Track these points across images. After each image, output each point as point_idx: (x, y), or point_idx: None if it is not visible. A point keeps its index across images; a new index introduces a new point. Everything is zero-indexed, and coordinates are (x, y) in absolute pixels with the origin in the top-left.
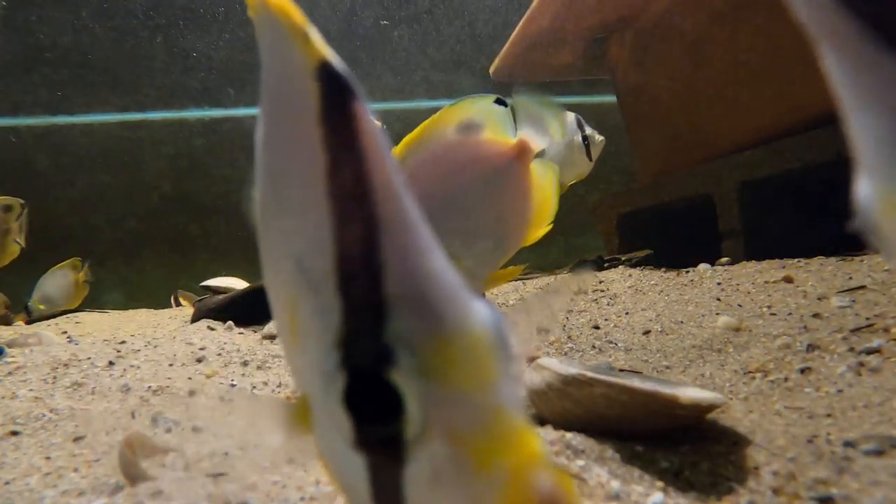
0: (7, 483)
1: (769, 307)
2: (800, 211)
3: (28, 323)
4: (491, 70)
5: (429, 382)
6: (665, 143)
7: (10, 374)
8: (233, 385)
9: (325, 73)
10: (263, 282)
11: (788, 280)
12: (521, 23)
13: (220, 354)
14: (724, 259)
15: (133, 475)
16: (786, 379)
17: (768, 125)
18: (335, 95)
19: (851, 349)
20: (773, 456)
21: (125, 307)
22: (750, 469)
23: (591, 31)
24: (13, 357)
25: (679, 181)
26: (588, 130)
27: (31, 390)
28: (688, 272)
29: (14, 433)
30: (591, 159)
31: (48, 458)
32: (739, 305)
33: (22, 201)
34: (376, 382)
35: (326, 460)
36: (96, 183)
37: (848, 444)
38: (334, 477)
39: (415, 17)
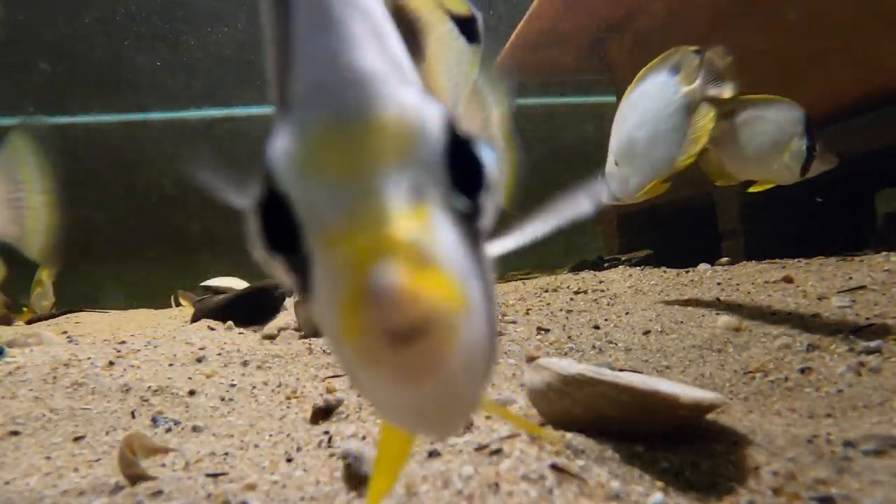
0: (7, 483)
1: (769, 307)
2: (800, 211)
3: (29, 322)
4: None
5: (301, 179)
6: None
7: (10, 373)
8: (233, 385)
9: None
10: None
11: (788, 280)
12: (521, 23)
13: (220, 354)
14: (724, 259)
15: (133, 475)
16: (786, 379)
17: None
18: None
19: (851, 349)
20: (773, 456)
21: (125, 307)
22: (750, 469)
23: (591, 31)
24: (13, 357)
25: (679, 183)
26: (819, 147)
27: (31, 390)
28: (688, 272)
29: (14, 433)
30: (802, 175)
31: (48, 458)
32: (739, 305)
33: None
34: (268, 203)
35: None
36: (97, 183)
37: (848, 443)
38: None
39: None
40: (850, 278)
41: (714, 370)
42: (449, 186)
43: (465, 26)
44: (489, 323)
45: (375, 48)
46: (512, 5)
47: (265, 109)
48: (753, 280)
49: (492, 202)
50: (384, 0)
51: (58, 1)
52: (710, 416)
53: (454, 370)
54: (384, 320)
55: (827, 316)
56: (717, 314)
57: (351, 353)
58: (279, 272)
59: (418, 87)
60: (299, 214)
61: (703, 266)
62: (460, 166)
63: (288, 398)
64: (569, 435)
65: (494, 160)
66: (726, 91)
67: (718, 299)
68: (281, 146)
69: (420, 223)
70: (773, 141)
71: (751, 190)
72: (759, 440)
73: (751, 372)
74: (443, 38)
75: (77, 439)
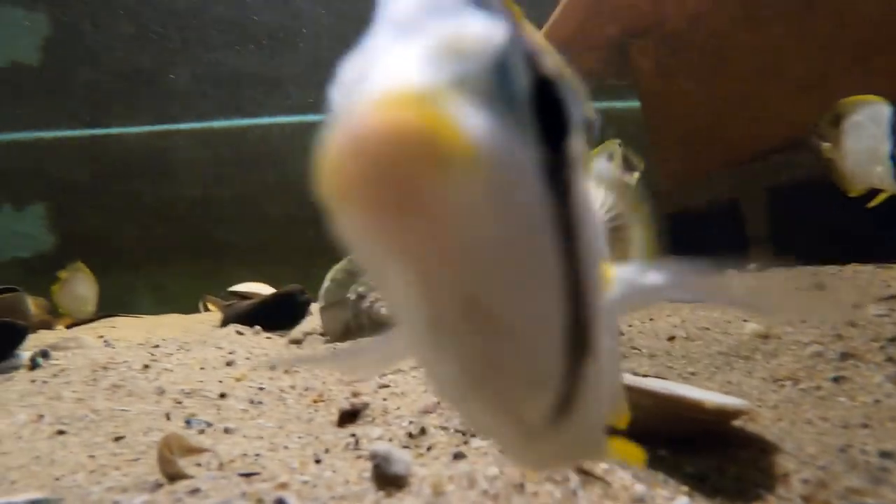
0: (57, 479)
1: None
2: (832, 217)
3: (68, 327)
4: None
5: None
6: (688, 149)
7: (54, 375)
8: (261, 388)
9: None
10: None
11: (820, 287)
12: (544, 29)
13: (248, 358)
14: (752, 265)
15: (171, 473)
16: (818, 388)
17: (797, 129)
18: None
19: (890, 359)
20: (804, 464)
21: (156, 312)
22: (779, 476)
23: (615, 37)
24: (57, 360)
25: (704, 187)
26: None
27: (74, 392)
28: None
29: (61, 432)
30: None
31: (92, 456)
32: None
33: None
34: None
35: None
36: (129, 192)
37: (885, 454)
38: None
39: None
40: (888, 286)
41: (741, 377)
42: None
43: None
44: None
45: None
46: (536, 10)
47: (290, 119)
48: (783, 286)
49: (576, 151)
50: None
51: (94, 19)
52: (736, 423)
53: (449, 220)
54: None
55: (863, 324)
56: (744, 321)
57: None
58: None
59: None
60: None
61: (730, 272)
62: (541, 105)
63: (315, 401)
64: None
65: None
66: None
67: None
68: None
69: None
70: (870, 146)
71: (874, 202)
72: (789, 448)
73: (780, 380)
74: None
75: (117, 439)
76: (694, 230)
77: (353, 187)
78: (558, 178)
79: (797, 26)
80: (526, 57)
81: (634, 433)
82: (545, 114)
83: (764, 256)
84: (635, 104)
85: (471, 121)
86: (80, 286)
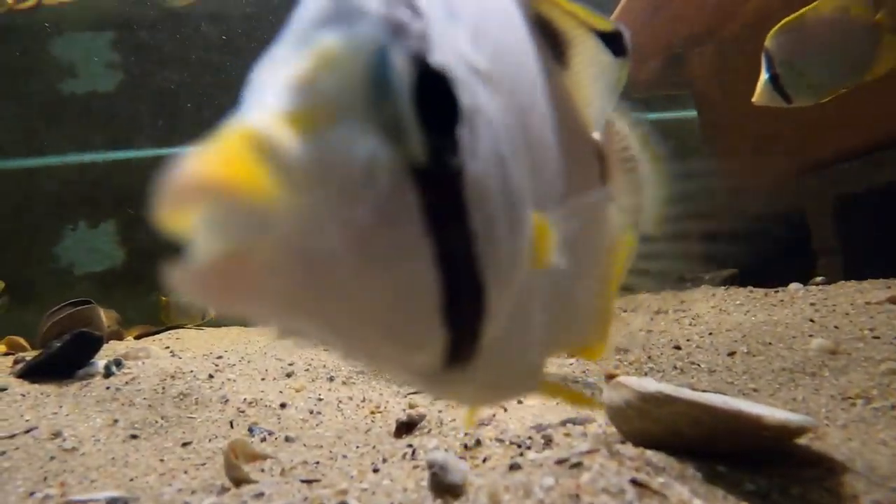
0: (131, 480)
1: (871, 330)
2: None
3: (136, 338)
4: None
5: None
6: (748, 158)
7: (127, 383)
8: (320, 399)
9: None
10: None
11: (894, 301)
12: None
13: (307, 370)
14: (819, 278)
15: (237, 478)
16: (893, 407)
17: (865, 136)
18: None
19: None
20: (875, 485)
21: (217, 324)
22: (847, 496)
23: (671, 46)
24: (129, 369)
25: (767, 197)
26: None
27: (144, 399)
28: (777, 292)
29: (134, 437)
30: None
31: (162, 460)
32: (836, 327)
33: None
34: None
35: None
36: None
37: None
38: None
39: None
40: None
41: (808, 394)
42: (382, 109)
43: (612, 41)
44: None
45: None
46: None
47: None
48: (852, 300)
49: (470, 143)
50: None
51: (160, 55)
52: (801, 441)
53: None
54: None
55: None
56: (810, 336)
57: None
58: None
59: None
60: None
61: (794, 286)
62: (423, 99)
63: (372, 412)
64: (648, 452)
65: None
66: None
67: (812, 320)
68: None
69: (299, 124)
70: None
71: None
72: (859, 468)
73: (850, 398)
74: (589, 51)
75: (185, 444)
76: (756, 242)
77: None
78: (446, 161)
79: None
80: (409, 57)
81: (693, 448)
82: (430, 105)
83: (832, 269)
84: (692, 113)
85: (304, 154)
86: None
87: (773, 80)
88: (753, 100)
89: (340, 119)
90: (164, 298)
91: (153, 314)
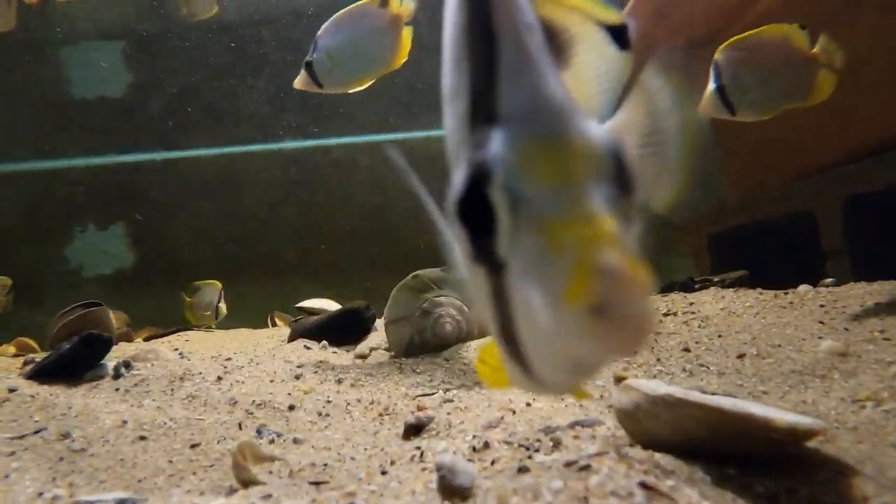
0: (140, 481)
1: (882, 332)
2: None
3: (146, 339)
4: None
5: (519, 181)
6: (758, 160)
7: (136, 385)
8: (329, 401)
9: None
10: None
11: None
12: None
13: (315, 372)
14: (829, 280)
15: (245, 480)
16: None
17: (875, 136)
18: None
19: None
20: (885, 489)
21: (226, 326)
22: (857, 499)
23: (681, 45)
24: (138, 370)
25: (776, 198)
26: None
27: (153, 400)
28: (786, 294)
29: (142, 438)
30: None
31: (171, 461)
32: (846, 329)
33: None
34: (476, 197)
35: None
36: (202, 211)
37: None
38: (476, 305)
39: None
40: None
41: (817, 397)
42: (618, 193)
43: (616, 34)
44: None
45: (559, 82)
46: None
47: (352, 139)
48: (863, 302)
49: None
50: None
51: (176, 56)
52: (810, 444)
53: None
54: (614, 293)
55: None
56: (820, 338)
57: (568, 316)
58: (463, 256)
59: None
60: (509, 206)
61: (803, 287)
62: (622, 178)
63: (380, 415)
64: (657, 455)
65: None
66: None
67: (821, 322)
68: (498, 153)
69: (615, 221)
70: None
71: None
72: (869, 471)
73: (860, 400)
74: (593, 47)
75: (193, 446)
76: (766, 244)
77: (595, 320)
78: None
79: (874, 28)
80: (615, 147)
81: (702, 451)
82: (625, 183)
83: (841, 271)
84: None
85: (632, 245)
86: (207, 296)
87: (720, 90)
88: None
89: None
90: (188, 299)
91: (162, 316)
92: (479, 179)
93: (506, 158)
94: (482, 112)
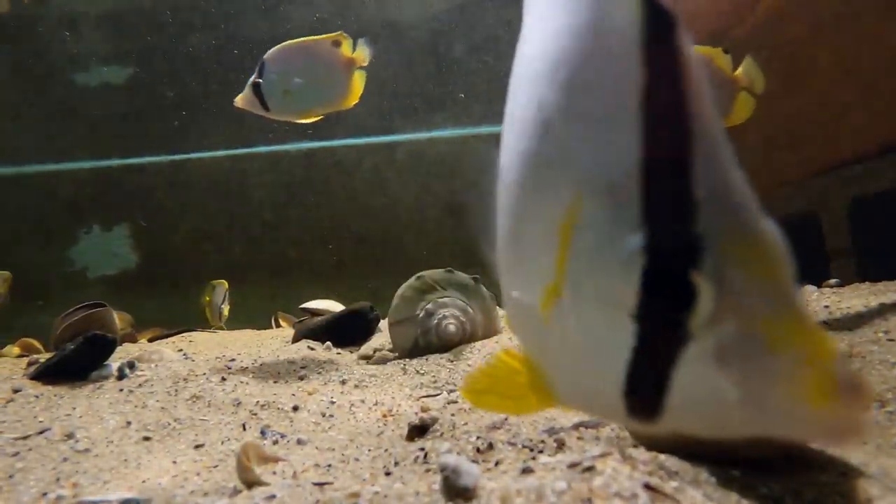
0: (144, 482)
1: (886, 332)
2: None
3: (150, 340)
4: None
5: (728, 271)
6: (763, 159)
7: (140, 385)
8: (332, 402)
9: (649, 3)
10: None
11: None
12: None
13: (319, 373)
14: (833, 280)
15: (249, 480)
16: None
17: (879, 137)
18: (658, 23)
19: None
20: (889, 490)
21: (230, 327)
22: (861, 501)
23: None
24: (142, 371)
25: (779, 199)
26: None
27: (157, 401)
28: None
29: (146, 438)
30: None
31: (174, 462)
32: (850, 330)
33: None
34: (678, 273)
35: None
36: (206, 213)
37: None
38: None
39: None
40: None
41: None
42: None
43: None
44: None
45: (737, 167)
46: None
47: (357, 141)
48: (867, 303)
49: None
50: None
51: (176, 57)
52: (815, 446)
53: None
54: (857, 401)
55: None
56: None
57: (810, 414)
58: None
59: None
60: (714, 290)
61: (808, 287)
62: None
63: (384, 416)
64: (661, 456)
65: None
66: None
67: (826, 323)
68: (707, 237)
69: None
70: None
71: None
72: (874, 472)
73: None
74: None
75: (198, 447)
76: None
77: (838, 419)
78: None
79: (878, 26)
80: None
81: (707, 452)
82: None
83: (846, 271)
84: None
85: None
86: (217, 295)
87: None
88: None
89: None
90: (207, 299)
91: (166, 317)
92: (682, 255)
93: (715, 244)
94: (668, 187)
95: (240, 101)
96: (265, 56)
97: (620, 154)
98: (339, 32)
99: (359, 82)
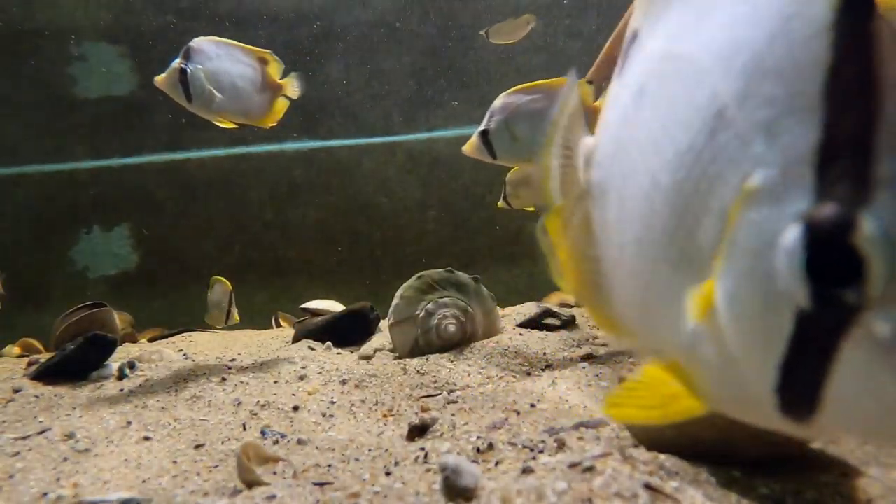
0: (144, 482)
1: None
2: None
3: (150, 340)
4: None
5: None
6: None
7: (140, 385)
8: (333, 402)
9: None
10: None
11: None
12: (607, 44)
13: (320, 373)
14: None
15: (249, 480)
16: None
17: None
18: (853, 5)
19: None
20: (891, 490)
21: (230, 327)
22: (861, 501)
23: None
24: (142, 371)
25: None
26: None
27: (157, 401)
28: None
29: (147, 438)
30: None
31: (175, 462)
32: None
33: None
34: (845, 255)
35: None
36: (206, 213)
37: None
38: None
39: None
40: None
41: None
42: None
43: None
44: None
45: None
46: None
47: (357, 140)
48: None
49: None
50: None
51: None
52: (816, 446)
53: None
54: None
55: None
56: None
57: None
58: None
59: None
60: (888, 276)
61: None
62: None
63: (384, 416)
64: (662, 456)
65: None
66: None
67: None
68: (886, 216)
69: None
70: None
71: None
72: (874, 473)
73: None
74: None
75: (198, 447)
76: None
77: None
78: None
79: None
80: None
81: (707, 452)
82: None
83: None
84: None
85: None
86: (216, 294)
87: (483, 133)
88: (463, 149)
89: None
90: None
91: (167, 317)
92: (852, 238)
93: (892, 228)
94: (846, 169)
95: (161, 82)
96: (192, 43)
97: (796, 138)
98: (267, 51)
99: (280, 107)
